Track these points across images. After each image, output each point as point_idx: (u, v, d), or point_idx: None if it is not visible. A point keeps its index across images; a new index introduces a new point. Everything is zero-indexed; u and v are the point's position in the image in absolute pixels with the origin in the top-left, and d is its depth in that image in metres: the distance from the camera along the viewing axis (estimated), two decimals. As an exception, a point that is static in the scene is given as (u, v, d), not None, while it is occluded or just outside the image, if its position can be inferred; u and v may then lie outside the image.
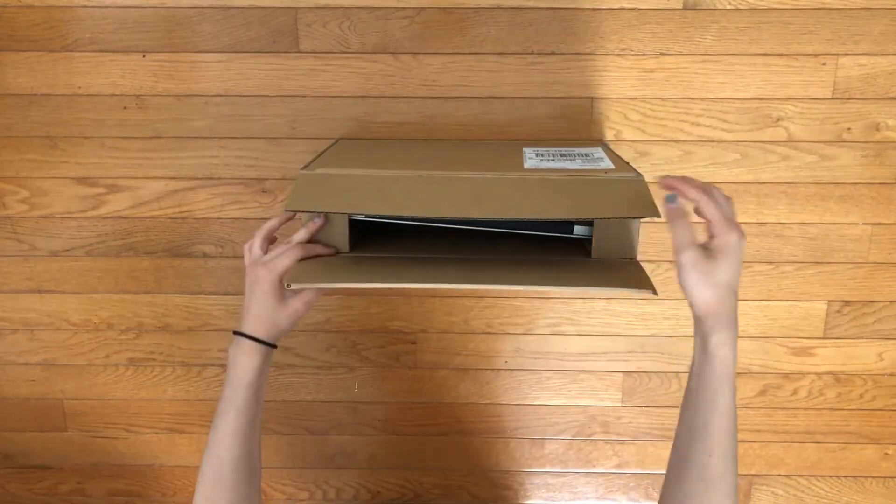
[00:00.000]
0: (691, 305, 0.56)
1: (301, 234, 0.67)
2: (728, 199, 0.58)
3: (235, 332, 0.67)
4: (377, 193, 0.62)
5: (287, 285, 0.62)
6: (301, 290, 0.67)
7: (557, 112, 0.88)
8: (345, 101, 0.88)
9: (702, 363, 0.56)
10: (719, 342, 0.55)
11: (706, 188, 0.57)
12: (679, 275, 0.56)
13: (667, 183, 0.58)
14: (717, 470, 0.55)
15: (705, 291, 0.55)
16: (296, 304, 0.67)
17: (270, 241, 0.71)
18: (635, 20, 0.85)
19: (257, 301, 0.66)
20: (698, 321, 0.56)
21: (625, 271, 0.65)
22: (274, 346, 0.68)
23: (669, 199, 0.58)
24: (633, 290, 0.61)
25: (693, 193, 0.57)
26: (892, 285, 0.94)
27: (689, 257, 0.54)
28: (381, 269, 0.65)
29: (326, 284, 0.64)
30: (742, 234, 0.55)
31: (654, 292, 0.60)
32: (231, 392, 0.66)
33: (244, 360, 0.66)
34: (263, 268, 0.66)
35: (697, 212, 0.57)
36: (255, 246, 0.68)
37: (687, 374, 1.00)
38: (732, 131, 0.89)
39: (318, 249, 0.67)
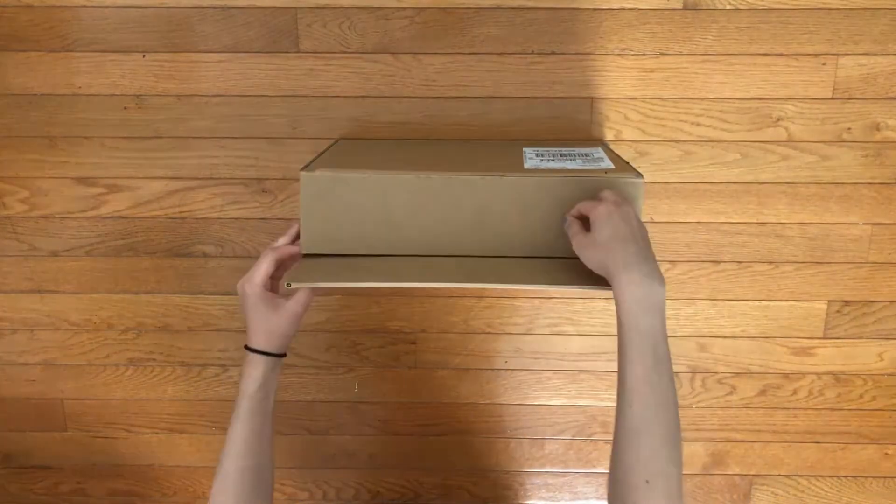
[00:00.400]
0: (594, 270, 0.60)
1: (281, 241, 0.69)
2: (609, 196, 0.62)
3: (245, 347, 0.69)
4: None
5: (287, 284, 0.62)
6: (295, 292, 0.67)
7: (557, 112, 0.88)
8: (345, 101, 0.88)
9: (617, 311, 0.57)
10: (616, 289, 0.56)
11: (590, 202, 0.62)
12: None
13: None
14: (639, 419, 0.53)
15: (588, 252, 0.60)
16: (292, 307, 0.67)
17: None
18: (635, 20, 0.85)
19: (250, 315, 0.68)
20: (609, 278, 0.58)
21: None
22: (280, 356, 0.69)
23: (563, 221, 0.65)
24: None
25: (582, 207, 0.63)
26: (892, 285, 0.94)
27: (573, 238, 0.62)
28: (379, 267, 0.66)
29: (324, 284, 0.64)
30: (610, 202, 0.60)
31: None
32: (239, 401, 0.68)
33: (248, 371, 0.68)
34: (246, 283, 0.67)
35: (584, 214, 0.62)
36: (254, 277, 0.68)
37: (685, 374, 1.01)
38: (732, 131, 0.89)
39: (293, 250, 0.69)
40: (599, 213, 0.59)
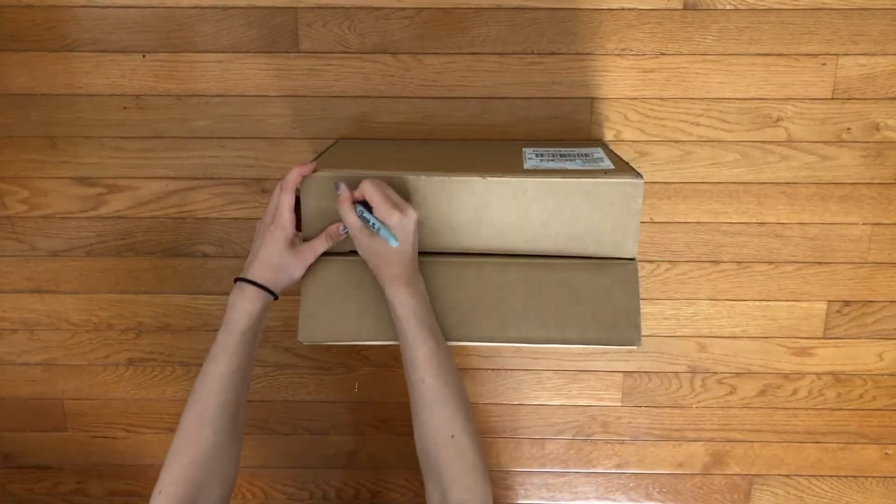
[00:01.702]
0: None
1: (290, 177, 0.68)
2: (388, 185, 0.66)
3: (237, 279, 0.69)
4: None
5: (300, 342, 0.69)
6: (311, 241, 0.69)
7: (557, 112, 0.88)
8: (345, 101, 0.88)
9: (391, 314, 0.67)
10: (392, 292, 0.66)
11: (370, 181, 0.65)
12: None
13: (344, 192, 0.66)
14: (433, 390, 0.65)
15: (369, 258, 0.66)
16: (306, 253, 0.68)
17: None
18: (635, 20, 0.85)
19: (266, 247, 0.68)
20: (380, 282, 0.67)
21: (618, 316, 0.68)
22: (275, 297, 0.69)
23: (336, 187, 0.66)
24: (617, 346, 0.68)
25: (363, 190, 0.65)
26: (892, 285, 0.94)
27: (355, 237, 0.65)
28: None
29: (336, 342, 0.70)
30: (403, 213, 0.63)
31: (638, 344, 0.68)
32: (225, 337, 0.67)
33: (243, 305, 0.67)
34: (277, 222, 0.68)
35: (366, 198, 0.65)
36: (285, 214, 0.68)
37: (685, 374, 1.01)
38: (732, 131, 0.89)
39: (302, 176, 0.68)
40: (391, 224, 0.63)
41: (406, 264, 0.65)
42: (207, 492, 0.64)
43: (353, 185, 0.65)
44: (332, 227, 0.68)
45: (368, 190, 0.64)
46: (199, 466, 0.64)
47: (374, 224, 0.64)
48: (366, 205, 0.65)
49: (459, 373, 0.67)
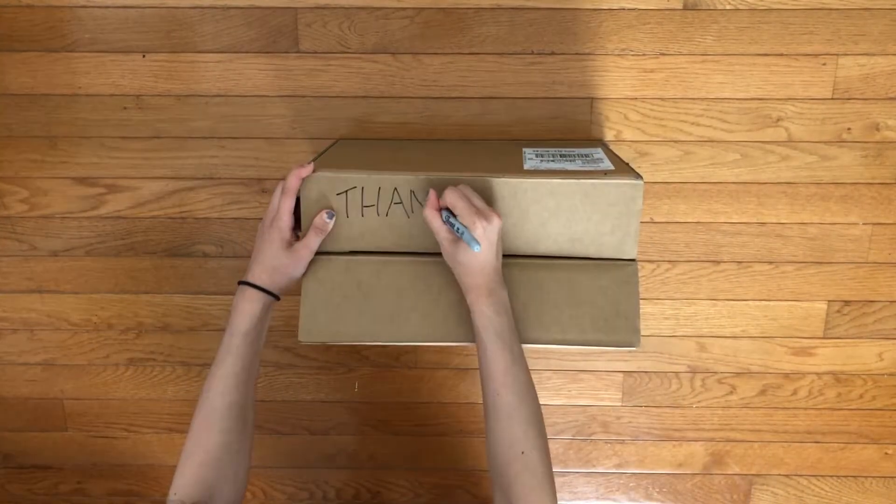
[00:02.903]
0: None
1: (290, 181, 0.68)
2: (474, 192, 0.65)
3: (240, 283, 0.69)
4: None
5: (300, 340, 0.69)
6: (303, 238, 0.69)
7: (557, 112, 0.88)
8: (345, 101, 0.88)
9: (472, 324, 0.66)
10: (473, 301, 0.65)
11: (454, 188, 0.65)
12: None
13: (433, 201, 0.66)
14: (508, 404, 0.64)
15: (453, 266, 0.66)
16: (301, 251, 0.68)
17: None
18: (635, 20, 0.85)
19: (263, 251, 0.69)
20: (463, 290, 0.66)
21: (617, 317, 0.69)
22: (277, 298, 0.70)
23: (426, 194, 0.66)
24: (616, 347, 0.69)
25: (446, 197, 0.65)
26: (892, 285, 0.94)
27: (441, 244, 0.66)
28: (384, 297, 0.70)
29: (337, 341, 0.71)
30: (487, 221, 0.63)
31: (637, 345, 0.68)
32: (228, 339, 0.68)
33: (244, 307, 0.68)
34: (275, 223, 0.69)
35: (449, 205, 0.64)
36: (283, 216, 0.69)
37: (685, 374, 1.01)
38: (732, 131, 0.89)
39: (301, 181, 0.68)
40: (475, 231, 0.62)
41: (488, 274, 0.65)
42: (220, 492, 0.65)
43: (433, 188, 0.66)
44: (318, 219, 0.68)
45: (451, 197, 0.63)
46: (210, 467, 0.65)
47: (458, 229, 0.63)
48: (451, 212, 0.65)
49: (535, 388, 0.66)
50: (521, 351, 0.66)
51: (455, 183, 0.66)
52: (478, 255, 0.63)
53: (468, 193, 0.64)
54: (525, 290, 0.69)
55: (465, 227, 0.62)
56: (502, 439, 0.64)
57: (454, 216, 0.64)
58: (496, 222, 0.63)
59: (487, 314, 0.65)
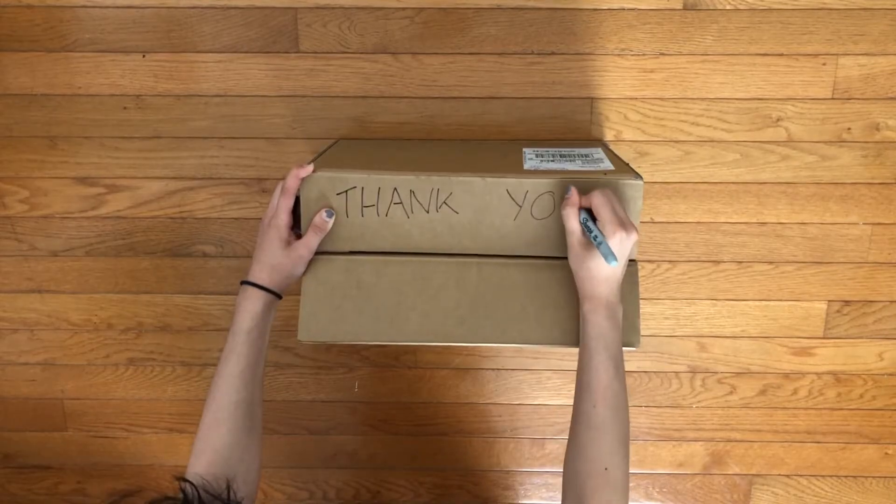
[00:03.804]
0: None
1: (290, 180, 0.68)
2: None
3: (242, 282, 0.70)
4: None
5: (299, 340, 0.69)
6: (303, 237, 0.69)
7: (557, 112, 0.88)
8: (345, 101, 0.88)
9: (581, 330, 0.66)
10: (589, 310, 0.64)
11: (603, 191, 0.64)
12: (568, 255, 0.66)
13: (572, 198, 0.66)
14: (602, 418, 0.63)
15: (577, 269, 0.65)
16: (299, 250, 0.69)
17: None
18: (635, 20, 0.85)
19: (263, 249, 0.69)
20: (580, 295, 0.66)
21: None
22: (279, 296, 0.70)
23: (566, 189, 0.66)
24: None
25: (593, 199, 0.64)
26: (892, 285, 0.94)
27: (572, 244, 0.65)
28: (384, 295, 0.70)
29: (336, 341, 0.70)
30: (627, 233, 0.62)
31: (637, 345, 0.68)
32: (232, 338, 0.69)
33: (246, 306, 0.69)
34: (273, 221, 0.69)
35: (593, 208, 0.64)
36: (280, 216, 0.69)
37: (685, 374, 1.01)
38: (732, 131, 0.89)
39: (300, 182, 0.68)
40: (613, 243, 0.61)
41: (612, 286, 0.64)
42: (234, 487, 0.65)
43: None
44: (317, 218, 0.68)
45: (598, 200, 0.62)
46: (219, 465, 0.66)
47: (595, 236, 0.62)
48: (590, 214, 0.64)
49: (629, 409, 0.66)
50: (624, 368, 0.65)
51: (455, 182, 0.66)
52: (609, 267, 0.62)
53: (613, 201, 0.63)
54: (525, 291, 0.69)
55: (605, 236, 0.61)
56: (588, 451, 0.63)
57: (593, 220, 0.63)
58: (634, 236, 0.62)
59: (603, 326, 0.64)
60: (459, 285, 0.69)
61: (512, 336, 0.69)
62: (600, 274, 0.63)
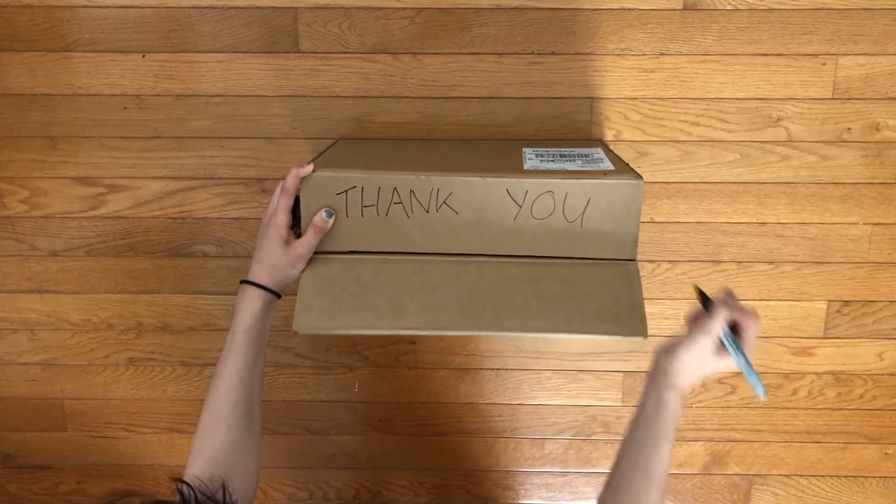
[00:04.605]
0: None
1: (290, 180, 0.68)
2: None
3: (241, 281, 0.70)
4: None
5: (294, 333, 0.69)
6: (302, 237, 0.69)
7: (557, 112, 0.88)
8: (345, 101, 0.88)
9: (656, 410, 0.66)
10: (674, 397, 0.66)
11: (755, 316, 0.66)
12: (687, 341, 0.66)
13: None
14: (652, 501, 0.64)
15: (682, 356, 0.66)
16: (298, 249, 0.69)
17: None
18: (635, 20, 0.85)
19: (262, 249, 0.70)
20: (662, 374, 0.67)
21: (622, 308, 0.68)
22: (278, 296, 0.71)
23: (709, 302, 0.67)
24: (625, 337, 0.69)
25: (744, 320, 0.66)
26: (892, 285, 0.94)
27: (697, 340, 0.65)
28: (383, 291, 0.69)
29: (333, 331, 0.69)
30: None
31: (645, 335, 0.68)
32: (231, 337, 0.69)
33: (245, 305, 0.69)
34: (272, 220, 0.69)
35: (743, 329, 0.65)
36: (280, 215, 0.69)
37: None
38: (732, 131, 0.89)
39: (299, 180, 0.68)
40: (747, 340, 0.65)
41: (698, 379, 0.67)
42: (231, 488, 0.65)
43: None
44: (317, 218, 0.68)
45: (753, 325, 0.65)
46: (218, 464, 0.66)
47: (742, 362, 0.64)
48: (734, 330, 0.65)
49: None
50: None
51: (455, 182, 0.66)
52: (714, 369, 0.65)
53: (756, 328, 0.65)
54: (526, 286, 0.69)
55: (752, 369, 0.64)
56: (632, 486, 0.65)
57: (738, 338, 0.64)
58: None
59: (676, 409, 0.66)
60: (459, 281, 0.69)
61: (512, 325, 0.68)
62: (704, 373, 0.66)
